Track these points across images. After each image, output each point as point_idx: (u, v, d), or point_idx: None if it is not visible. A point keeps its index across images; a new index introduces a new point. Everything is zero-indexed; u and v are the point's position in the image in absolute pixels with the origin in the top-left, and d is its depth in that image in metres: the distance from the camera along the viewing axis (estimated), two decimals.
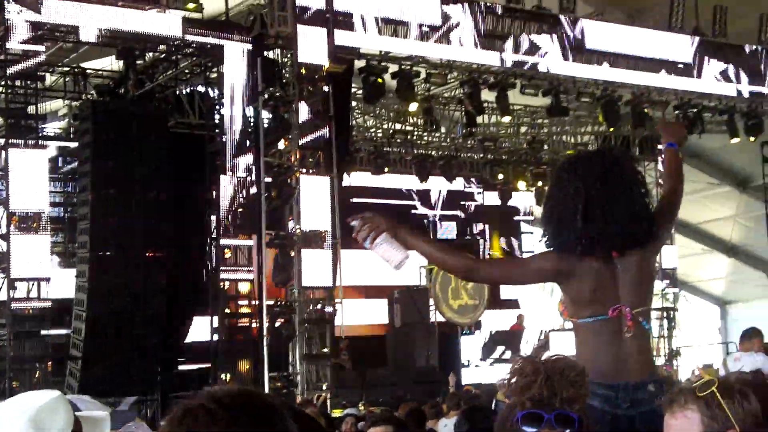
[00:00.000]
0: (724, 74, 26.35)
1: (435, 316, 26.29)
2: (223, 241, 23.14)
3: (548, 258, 4.89)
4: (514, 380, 3.26)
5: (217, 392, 2.23)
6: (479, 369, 26.40)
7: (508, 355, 26.56)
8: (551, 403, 3.13)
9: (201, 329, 22.99)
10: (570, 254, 4.79)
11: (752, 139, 28.19)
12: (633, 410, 4.64)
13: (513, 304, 31.68)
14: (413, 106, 24.24)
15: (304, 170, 20.84)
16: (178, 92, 22.90)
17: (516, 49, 23.20)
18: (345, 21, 20.89)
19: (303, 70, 20.73)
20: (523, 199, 33.68)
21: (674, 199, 5.36)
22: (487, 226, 33.12)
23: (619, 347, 4.76)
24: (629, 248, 4.82)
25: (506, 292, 31.17)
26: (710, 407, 2.98)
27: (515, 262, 5.02)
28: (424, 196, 31.88)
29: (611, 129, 27.65)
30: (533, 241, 33.79)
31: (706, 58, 26.05)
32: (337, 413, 16.90)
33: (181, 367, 23.06)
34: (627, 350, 4.74)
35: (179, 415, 2.21)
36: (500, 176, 31.35)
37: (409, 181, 31.14)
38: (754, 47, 26.94)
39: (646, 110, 26.49)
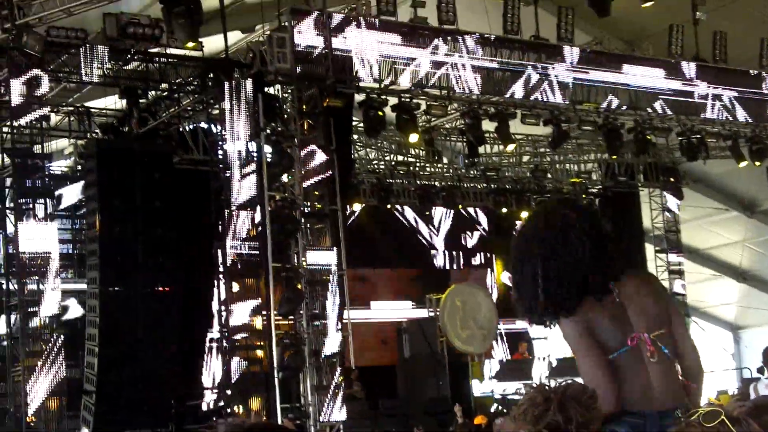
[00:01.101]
0: (726, 100, 26.41)
1: (444, 347, 26.30)
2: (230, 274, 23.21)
3: (575, 329, 4.87)
4: (526, 412, 3.38)
5: (246, 425, 2.18)
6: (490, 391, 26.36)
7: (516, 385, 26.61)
8: (568, 429, 3.26)
9: (213, 360, 23.09)
10: (571, 310, 4.84)
11: (758, 163, 28.19)
12: None
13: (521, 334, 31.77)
14: (413, 137, 24.33)
15: (308, 203, 21.09)
16: (181, 129, 23.11)
17: (516, 78, 23.39)
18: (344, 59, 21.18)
19: (304, 106, 21.01)
20: None
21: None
22: (493, 256, 33.09)
23: (644, 374, 4.80)
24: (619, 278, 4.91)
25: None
26: None
27: (584, 362, 4.90)
28: (428, 227, 31.94)
29: (614, 156, 27.75)
30: None
31: (707, 84, 26.13)
32: None
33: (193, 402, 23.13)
34: (652, 376, 4.79)
35: None
36: (504, 205, 31.42)
37: (413, 212, 31.34)
38: (755, 72, 27.02)
39: (648, 137, 26.54)
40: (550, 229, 4.92)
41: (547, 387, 3.44)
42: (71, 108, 23.13)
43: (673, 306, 5.10)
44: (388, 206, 29.58)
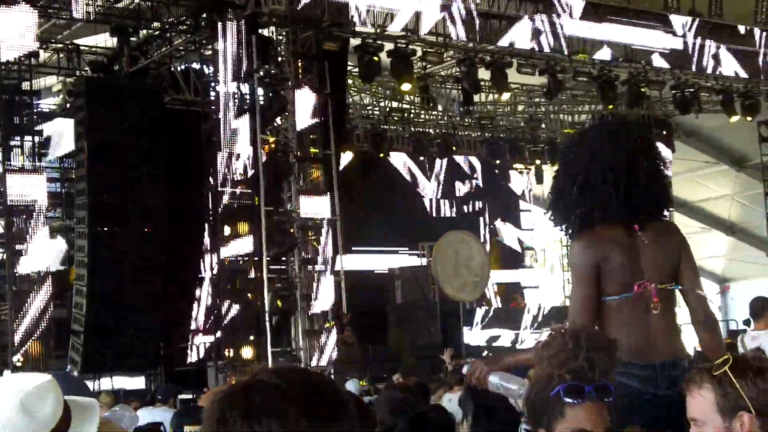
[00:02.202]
0: (721, 54, 26.28)
1: (436, 294, 26.26)
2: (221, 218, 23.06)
3: (584, 261, 4.77)
4: (556, 355, 3.31)
5: (283, 371, 2.00)
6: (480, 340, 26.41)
7: (508, 332, 26.66)
8: (591, 376, 3.20)
9: (202, 303, 23.02)
10: (591, 234, 4.76)
11: (749, 118, 28.14)
12: (671, 390, 4.50)
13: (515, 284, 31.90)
14: (406, 86, 24.09)
15: (302, 147, 20.91)
16: (172, 69, 22.85)
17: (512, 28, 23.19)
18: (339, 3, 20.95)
19: (299, 49, 20.78)
20: (522, 178, 33.77)
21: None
22: (486, 205, 33.04)
23: (647, 324, 4.69)
24: (650, 220, 4.79)
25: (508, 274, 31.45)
26: (722, 385, 3.08)
27: (576, 295, 4.81)
28: (421, 174, 31.82)
29: (608, 108, 27.58)
30: (531, 219, 33.84)
31: (703, 38, 25.98)
32: None
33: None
34: (656, 327, 4.68)
35: (242, 388, 1.97)
36: (498, 154, 31.36)
37: (406, 159, 31.19)
38: (749, 28, 26.87)
39: (642, 89, 26.41)
40: (621, 141, 4.83)
41: (576, 333, 3.35)
42: (61, 45, 22.78)
43: (690, 259, 4.93)
44: (381, 154, 29.37)
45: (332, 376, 18.71)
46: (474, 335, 26.31)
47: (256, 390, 1.94)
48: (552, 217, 4.99)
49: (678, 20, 25.50)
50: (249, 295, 21.75)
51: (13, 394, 3.04)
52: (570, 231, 4.95)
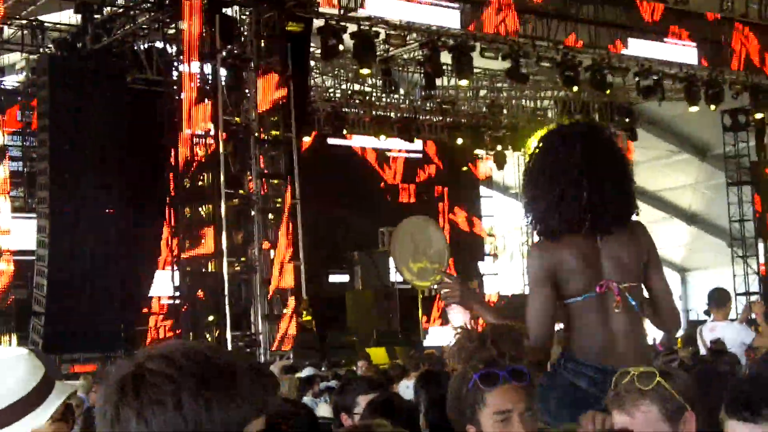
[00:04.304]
0: (686, 42, 26.37)
1: (395, 280, 26.26)
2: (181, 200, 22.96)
3: (540, 265, 4.73)
4: (460, 350, 3.41)
5: (172, 355, 1.88)
6: (441, 332, 26.40)
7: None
8: (502, 362, 3.26)
9: (163, 286, 22.97)
10: (551, 239, 4.71)
11: (713, 107, 28.24)
12: None
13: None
14: (365, 71, 24.03)
15: (263, 129, 20.85)
16: (135, 48, 22.74)
17: (475, 10, 23.18)
18: None
19: (262, 29, 20.71)
20: (483, 163, 33.77)
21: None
22: (446, 190, 33.01)
23: (609, 326, 4.65)
24: (615, 224, 4.71)
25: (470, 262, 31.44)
26: (662, 396, 3.19)
27: (532, 299, 4.81)
28: (382, 159, 31.79)
29: (573, 90, 27.55)
30: (492, 205, 33.88)
31: (668, 25, 26.06)
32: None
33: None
34: (618, 329, 4.63)
35: (132, 382, 1.86)
36: (459, 140, 31.37)
37: (367, 143, 31.20)
38: (715, 16, 26.96)
39: (606, 76, 26.46)
40: (591, 144, 4.79)
41: (472, 331, 3.50)
42: (24, 21, 22.63)
43: (657, 260, 4.85)
44: (342, 136, 29.36)
45: (291, 361, 18.75)
46: (434, 330, 26.29)
47: (148, 384, 1.85)
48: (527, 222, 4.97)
49: (645, 7, 25.53)
50: (208, 279, 21.69)
51: None
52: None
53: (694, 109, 27.76)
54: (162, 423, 1.84)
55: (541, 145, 4.97)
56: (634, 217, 4.85)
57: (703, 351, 9.66)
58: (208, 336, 20.96)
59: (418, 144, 31.98)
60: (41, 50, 22.44)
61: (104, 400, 1.89)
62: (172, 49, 22.44)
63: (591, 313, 4.65)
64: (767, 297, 29.39)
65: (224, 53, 20.39)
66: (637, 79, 27.23)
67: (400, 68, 27.82)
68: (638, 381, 3.20)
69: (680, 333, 26.16)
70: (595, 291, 4.63)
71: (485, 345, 3.35)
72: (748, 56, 27.36)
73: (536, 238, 4.95)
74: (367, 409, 4.99)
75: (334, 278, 27.73)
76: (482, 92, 30.97)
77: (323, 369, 18.20)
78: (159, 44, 23.05)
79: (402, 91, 29.47)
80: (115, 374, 1.88)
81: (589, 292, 4.64)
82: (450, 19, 22.96)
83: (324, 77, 28.72)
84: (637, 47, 25.68)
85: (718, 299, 10.11)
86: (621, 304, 4.62)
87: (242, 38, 21.01)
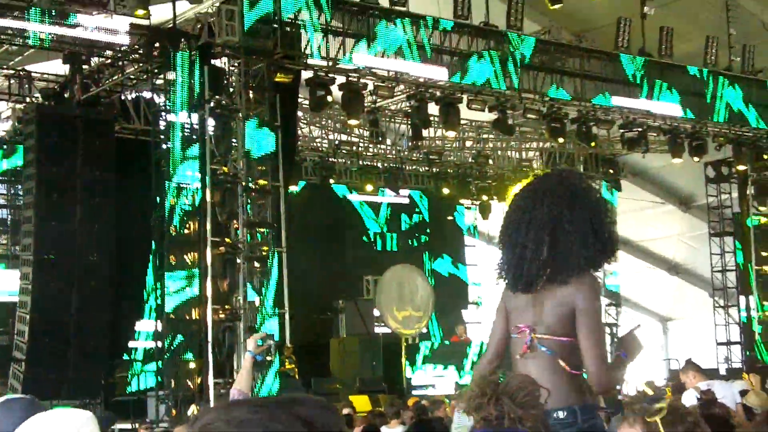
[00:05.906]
0: (669, 95, 26.56)
1: (380, 328, 26.28)
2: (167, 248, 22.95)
3: (501, 298, 5.26)
4: (470, 400, 3.48)
5: (238, 418, 1.83)
6: (425, 376, 26.38)
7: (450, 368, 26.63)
8: (501, 423, 3.31)
9: (145, 333, 22.94)
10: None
11: (696, 159, 28.45)
12: None
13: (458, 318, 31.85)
14: (353, 122, 24.22)
15: (251, 179, 20.89)
16: (123, 98, 22.83)
17: (463, 64, 23.32)
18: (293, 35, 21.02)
19: (250, 80, 20.81)
20: (468, 213, 33.86)
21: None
22: (431, 239, 33.05)
23: (518, 368, 4.95)
24: (550, 282, 5.02)
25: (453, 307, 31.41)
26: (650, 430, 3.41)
27: (492, 326, 5.17)
28: (368, 208, 31.83)
29: (558, 142, 27.70)
30: (476, 254, 33.92)
31: (652, 78, 26.26)
32: None
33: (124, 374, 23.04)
34: (525, 371, 4.74)
35: None
36: (445, 189, 31.54)
37: (353, 192, 31.24)
38: (699, 69, 27.19)
39: (591, 128, 26.64)
40: (571, 197, 5.14)
41: (489, 380, 3.54)
42: (12, 71, 22.71)
43: (583, 316, 4.99)
44: (329, 184, 29.47)
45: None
46: (418, 375, 26.24)
47: None
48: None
49: (628, 59, 25.74)
50: (192, 326, 21.65)
51: (75, 428, 3.24)
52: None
53: (677, 161, 27.95)
54: None
55: (510, 201, 5.31)
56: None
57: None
58: (189, 383, 20.94)
59: (404, 193, 32.09)
60: (28, 99, 22.53)
61: None
62: (159, 99, 22.51)
63: (513, 352, 5.09)
64: (747, 347, 29.59)
65: (212, 103, 20.48)
66: (621, 131, 27.43)
67: (388, 119, 27.98)
68: (648, 413, 3.49)
69: (662, 380, 26.25)
70: (516, 333, 5.03)
71: (489, 402, 3.40)
72: (731, 109, 27.57)
73: None
74: None
75: (318, 326, 27.66)
76: (468, 143, 31.14)
77: None
78: (147, 94, 23.15)
79: (389, 141, 29.62)
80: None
81: (514, 334, 5.05)
82: (437, 72, 23.07)
83: (311, 127, 28.86)
84: (622, 100, 25.81)
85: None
86: (527, 352, 4.93)
87: (231, 89, 21.09)
